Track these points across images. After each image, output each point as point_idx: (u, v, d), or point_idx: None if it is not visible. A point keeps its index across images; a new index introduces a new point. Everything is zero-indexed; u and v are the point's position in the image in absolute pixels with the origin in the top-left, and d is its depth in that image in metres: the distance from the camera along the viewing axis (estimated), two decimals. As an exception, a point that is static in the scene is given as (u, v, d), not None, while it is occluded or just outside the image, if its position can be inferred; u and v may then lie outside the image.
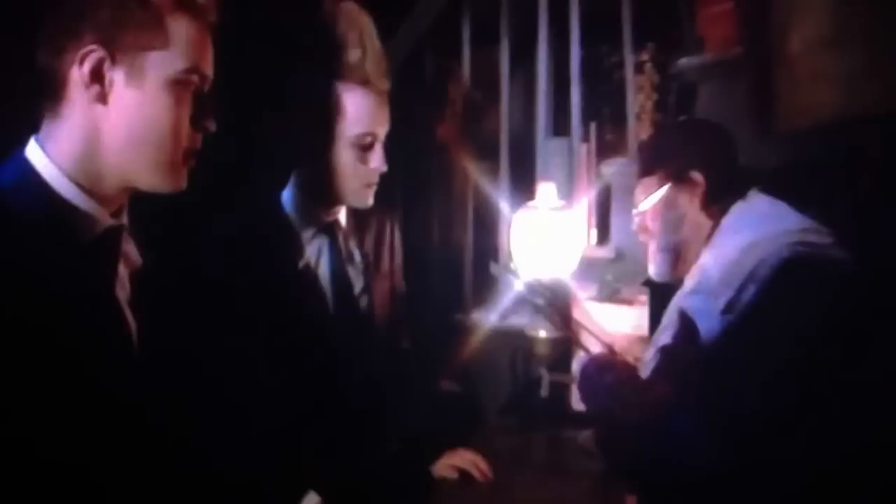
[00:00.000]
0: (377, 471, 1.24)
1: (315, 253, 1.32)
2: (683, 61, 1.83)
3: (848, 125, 1.39)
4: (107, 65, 0.81)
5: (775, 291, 1.03)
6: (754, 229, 1.11)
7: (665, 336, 1.17)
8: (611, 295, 1.78)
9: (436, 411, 1.43)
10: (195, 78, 0.85)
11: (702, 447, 1.00)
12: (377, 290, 1.38)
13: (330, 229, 1.35)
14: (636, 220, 1.28)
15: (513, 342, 1.69)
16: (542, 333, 1.53)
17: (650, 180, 1.24)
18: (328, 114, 1.24)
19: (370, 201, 1.32)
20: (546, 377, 1.53)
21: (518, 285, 1.48)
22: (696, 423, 1.01)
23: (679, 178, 1.20)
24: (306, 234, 1.32)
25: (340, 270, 1.34)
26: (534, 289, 1.42)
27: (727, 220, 1.18)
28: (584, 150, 2.11)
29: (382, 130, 1.30)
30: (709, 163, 1.21)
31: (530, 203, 1.58)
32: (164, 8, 0.82)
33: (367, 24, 1.25)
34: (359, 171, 1.29)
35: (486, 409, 1.69)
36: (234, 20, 0.87)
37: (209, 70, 0.86)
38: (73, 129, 0.82)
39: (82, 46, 0.80)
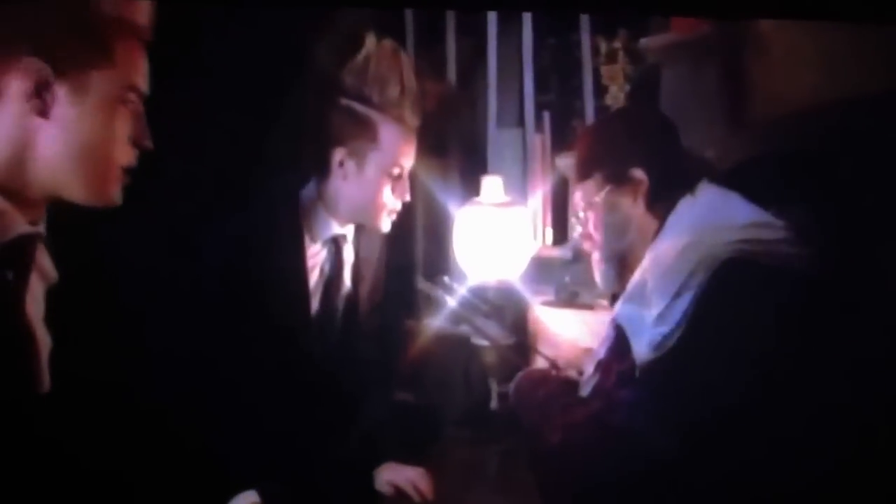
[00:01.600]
0: (321, 473, 1.28)
1: (318, 261, 1.43)
2: (646, 41, 1.75)
3: (828, 110, 1.37)
4: (50, 79, 0.84)
5: (711, 301, 0.99)
6: (695, 228, 1.07)
7: (601, 349, 1.16)
8: (569, 299, 1.76)
9: (390, 421, 1.46)
10: (134, 95, 0.90)
11: (629, 470, 0.98)
12: (362, 301, 1.49)
13: (336, 242, 1.46)
14: (578, 230, 1.25)
15: (466, 350, 1.65)
16: (490, 341, 1.51)
17: (588, 185, 1.21)
18: (363, 143, 1.38)
19: (386, 228, 1.45)
20: (495, 388, 1.51)
21: (459, 293, 1.49)
22: (624, 447, 1.00)
23: (619, 179, 1.16)
24: (315, 243, 1.43)
25: (336, 281, 1.45)
26: (476, 295, 1.46)
27: (672, 218, 1.13)
28: (538, 142, 2.08)
29: (409, 163, 1.44)
30: (650, 157, 1.17)
31: (475, 199, 1.57)
32: (108, 27, 0.86)
33: (406, 63, 1.38)
34: (384, 200, 1.41)
35: (441, 421, 1.66)
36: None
37: (146, 87, 0.91)
38: (3, 133, 0.85)
39: (22, 59, 0.83)
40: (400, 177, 1.42)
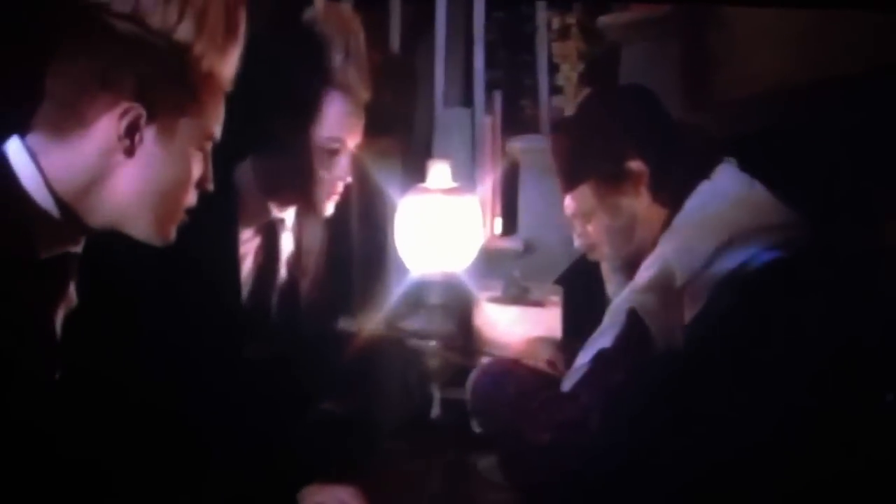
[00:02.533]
0: (237, 495, 1.22)
1: (251, 249, 1.37)
2: (605, 19, 1.71)
3: (794, 92, 1.39)
4: (142, 122, 0.90)
5: (755, 305, 0.99)
6: (727, 226, 1.05)
7: (606, 338, 1.14)
8: (518, 295, 1.70)
9: (317, 435, 1.43)
10: (210, 143, 0.98)
11: (629, 473, 0.99)
12: (300, 297, 1.44)
13: (272, 227, 1.38)
14: (580, 240, 1.23)
15: (404, 352, 1.59)
16: (433, 343, 1.46)
17: (581, 193, 1.18)
18: (300, 112, 1.31)
19: (328, 211, 1.38)
20: (437, 395, 1.46)
21: (406, 284, 1.46)
22: (625, 446, 1.01)
23: (616, 179, 1.14)
24: (248, 228, 1.36)
25: (270, 272, 1.39)
26: (418, 290, 1.43)
27: (691, 203, 1.10)
28: (487, 124, 2.11)
29: (352, 141, 1.36)
30: (644, 143, 1.13)
31: (420, 185, 1.53)
32: (202, 78, 0.93)
33: (356, 29, 1.31)
34: (320, 177, 1.35)
35: (377, 433, 1.64)
36: None
37: (219, 134, 0.98)
38: (83, 162, 0.90)
39: (119, 98, 0.88)
40: (340, 153, 1.35)
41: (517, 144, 2.08)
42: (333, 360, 1.49)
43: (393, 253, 1.80)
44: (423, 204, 1.47)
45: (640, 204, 1.13)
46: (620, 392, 1.05)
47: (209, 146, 0.98)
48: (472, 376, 1.27)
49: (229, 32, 0.94)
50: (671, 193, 1.12)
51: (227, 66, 0.96)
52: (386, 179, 1.86)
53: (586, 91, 1.35)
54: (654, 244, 1.13)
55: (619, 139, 1.14)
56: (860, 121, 1.29)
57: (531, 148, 2.05)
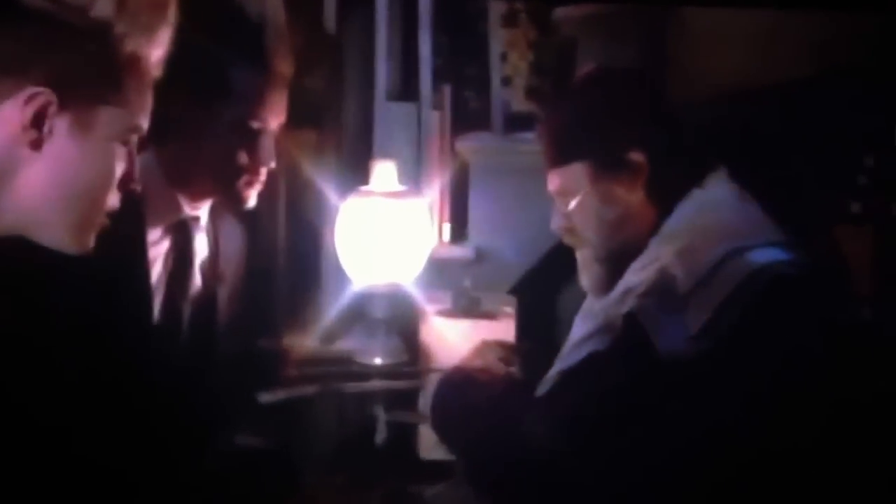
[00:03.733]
0: None
1: (160, 253, 1.31)
2: (560, 12, 1.77)
3: (753, 91, 1.47)
4: (51, 110, 0.84)
5: (767, 317, 1.05)
6: (730, 233, 1.10)
7: (595, 341, 1.15)
8: (469, 307, 1.75)
9: (238, 470, 1.39)
10: (135, 137, 0.93)
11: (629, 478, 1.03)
12: (218, 309, 1.39)
13: (184, 227, 1.32)
14: (558, 221, 1.23)
15: (342, 373, 1.61)
16: (377, 360, 1.49)
17: (570, 172, 1.19)
18: (212, 87, 1.25)
19: (250, 202, 1.33)
20: (382, 417, 1.48)
21: (346, 297, 1.49)
22: (613, 455, 1.04)
23: (613, 166, 1.15)
24: (155, 228, 1.29)
25: (182, 279, 1.33)
26: (361, 303, 1.44)
27: (686, 209, 1.14)
28: (436, 120, 2.07)
29: (275, 121, 1.32)
30: (650, 136, 1.16)
31: (363, 188, 1.54)
32: (126, 63, 0.88)
33: None
34: (238, 164, 1.29)
35: (303, 467, 1.63)
36: None
37: (146, 127, 0.94)
38: None
39: (23, 82, 0.83)
40: (261, 133, 1.30)
41: (466, 143, 2.08)
42: (256, 383, 1.45)
43: (329, 261, 1.82)
44: (367, 208, 1.52)
45: (635, 198, 1.16)
46: (612, 397, 1.08)
47: (134, 140, 0.93)
48: (437, 389, 1.27)
49: (155, 10, 0.89)
50: (664, 194, 1.15)
51: (155, 48, 0.90)
52: (319, 178, 1.83)
53: (589, 66, 1.36)
54: (640, 243, 1.16)
55: (624, 126, 1.16)
56: (814, 124, 1.40)
57: (482, 147, 2.06)
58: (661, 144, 1.16)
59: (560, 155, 1.21)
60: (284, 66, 1.31)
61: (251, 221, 1.46)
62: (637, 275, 1.15)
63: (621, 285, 1.17)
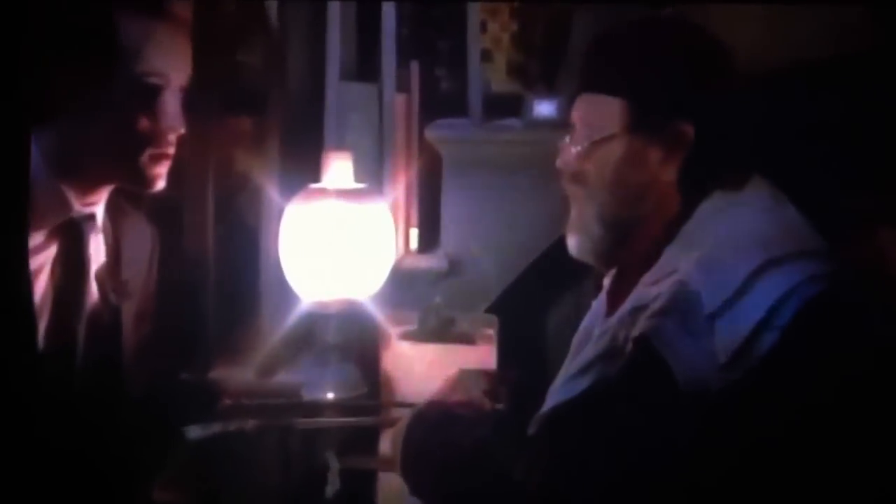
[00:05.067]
0: None
1: (45, 261, 1.28)
2: None
3: (778, 76, 1.47)
4: None
5: (808, 342, 1.06)
6: (759, 245, 1.10)
7: (598, 370, 1.16)
8: (441, 328, 1.77)
9: None
10: None
11: None
12: (123, 331, 1.35)
13: (75, 228, 1.29)
14: (566, 159, 1.21)
15: (284, 413, 1.59)
16: (329, 394, 1.50)
17: (605, 103, 1.18)
18: (90, 43, 1.23)
19: (160, 182, 1.30)
20: (335, 464, 1.47)
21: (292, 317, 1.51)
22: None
23: (655, 127, 1.16)
24: (38, 232, 1.26)
25: (74, 293, 1.30)
26: (310, 325, 1.45)
27: (706, 211, 1.15)
28: (400, 104, 2.06)
29: (178, 76, 1.29)
30: (704, 109, 1.16)
31: (313, 186, 1.54)
32: None
33: None
34: (139, 133, 1.26)
35: None
36: None
37: None
38: None
39: None
40: (163, 92, 1.28)
41: (438, 132, 2.07)
42: (173, 426, 1.42)
43: (270, 274, 1.81)
44: (317, 210, 1.52)
45: (667, 174, 1.16)
46: (621, 438, 1.08)
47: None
48: (401, 427, 1.28)
49: None
50: (696, 189, 1.16)
51: None
52: (258, 173, 1.86)
53: (653, 13, 1.33)
54: (656, 228, 1.17)
55: (681, 85, 1.16)
56: (851, 113, 1.41)
57: (456, 137, 2.05)
58: (713, 125, 1.16)
59: (598, 78, 1.20)
60: (181, 8, 1.29)
61: (167, 222, 1.43)
62: (650, 289, 1.14)
63: (630, 301, 1.16)
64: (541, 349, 1.93)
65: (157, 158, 1.28)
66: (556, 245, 1.93)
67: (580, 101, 1.22)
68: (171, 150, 1.30)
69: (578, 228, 1.22)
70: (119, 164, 1.28)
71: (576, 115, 1.22)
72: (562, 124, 2.19)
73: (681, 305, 1.09)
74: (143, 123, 1.26)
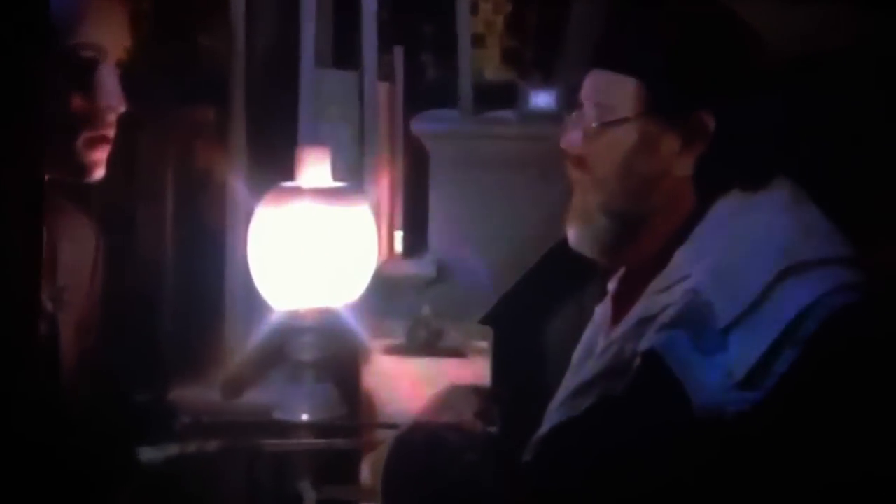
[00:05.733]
0: None
1: None
2: None
3: (795, 63, 1.45)
4: None
5: (832, 360, 1.05)
6: (778, 250, 1.10)
7: (601, 388, 1.15)
8: (429, 341, 1.78)
9: None
10: None
11: None
12: (61, 348, 1.33)
13: None
14: (572, 139, 1.21)
15: (252, 437, 1.60)
16: (304, 416, 1.50)
17: (620, 82, 1.18)
18: (16, 12, 1.14)
19: (98, 170, 1.29)
20: (310, 494, 1.49)
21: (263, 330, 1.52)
22: None
23: (674, 111, 1.16)
24: None
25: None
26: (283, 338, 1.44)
27: (721, 212, 1.15)
28: (383, 94, 2.06)
29: (116, 49, 1.29)
30: (729, 100, 1.16)
31: (285, 185, 1.55)
32: None
33: None
34: (72, 114, 1.25)
35: None
36: None
37: None
38: None
39: None
40: (96, 66, 1.27)
41: (425, 125, 2.07)
42: (123, 449, 1.43)
43: (237, 282, 1.81)
44: (290, 211, 1.51)
45: (681, 167, 1.16)
46: (627, 463, 1.08)
47: None
48: (383, 452, 1.27)
49: None
50: (711, 186, 1.15)
51: None
52: (223, 170, 1.85)
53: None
54: (666, 224, 1.17)
55: (702, 77, 1.16)
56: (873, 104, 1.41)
57: (445, 131, 2.06)
58: (734, 118, 1.16)
59: (615, 55, 1.20)
60: None
61: (116, 221, 1.43)
62: (658, 297, 1.14)
63: (637, 311, 1.16)
64: (540, 364, 1.92)
65: (94, 142, 1.27)
66: (557, 249, 1.94)
67: (591, 77, 1.21)
68: (111, 133, 1.28)
69: (580, 217, 1.21)
70: (51, 151, 1.27)
71: (584, 92, 1.21)
72: (561, 117, 2.28)
73: (693, 317, 1.09)
74: (77, 102, 1.25)
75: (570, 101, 1.27)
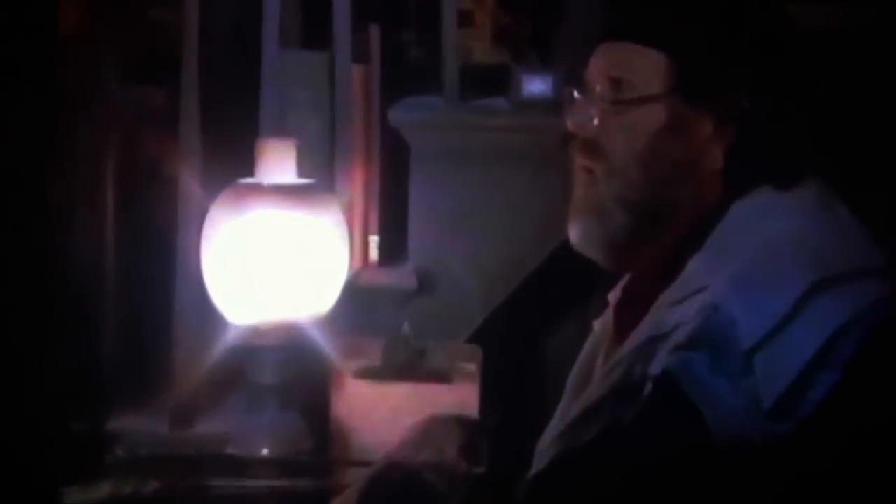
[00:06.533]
0: None
1: None
2: None
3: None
4: None
5: (872, 386, 1.04)
6: (810, 258, 1.08)
7: (607, 415, 1.12)
8: (409, 362, 1.78)
9: None
10: None
11: None
12: None
13: None
14: (581, 121, 1.17)
15: (202, 475, 1.59)
16: (264, 449, 1.51)
17: (644, 56, 1.16)
18: None
19: None
20: None
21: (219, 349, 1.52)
22: None
23: (707, 89, 1.15)
24: None
25: None
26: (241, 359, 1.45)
27: (744, 214, 1.13)
28: (357, 78, 2.06)
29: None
30: (764, 82, 1.15)
31: (244, 181, 1.56)
32: None
33: None
34: None
35: None
36: None
37: None
38: None
39: None
40: None
41: (405, 113, 2.05)
42: (47, 488, 1.42)
43: (188, 294, 1.79)
44: (249, 212, 1.52)
45: (712, 157, 1.14)
46: (641, 493, 1.06)
47: None
48: (353, 495, 1.26)
49: None
50: (740, 180, 1.14)
51: None
52: (173, 164, 1.85)
53: None
54: (688, 222, 1.15)
55: (741, 46, 1.16)
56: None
57: (428, 120, 2.05)
58: (768, 101, 1.14)
59: (636, 24, 1.18)
60: None
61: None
62: (671, 311, 1.11)
63: (648, 326, 1.14)
64: (536, 389, 1.90)
65: None
66: (556, 256, 1.94)
67: (606, 50, 1.18)
68: None
69: (589, 211, 1.18)
70: None
71: (596, 67, 1.18)
72: (558, 106, 2.30)
73: (712, 336, 1.06)
74: None
75: (571, 83, 1.26)
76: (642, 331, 1.13)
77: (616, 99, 1.15)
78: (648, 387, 1.08)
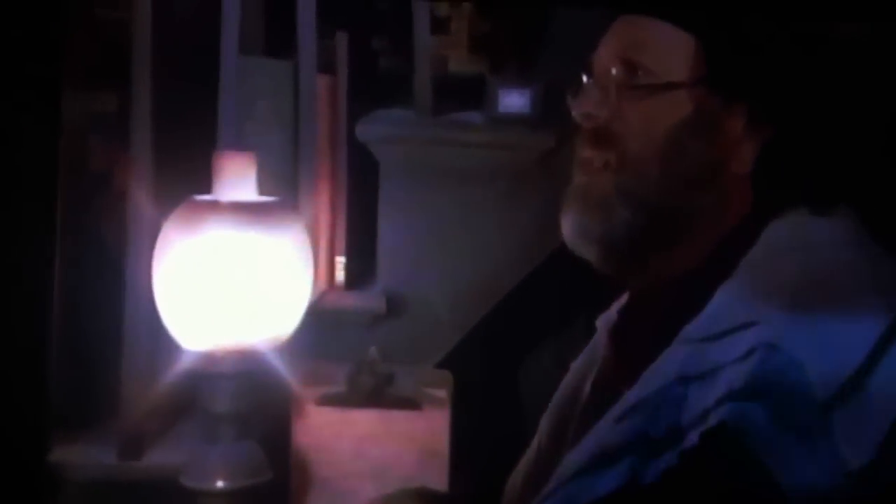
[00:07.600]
0: None
1: None
2: None
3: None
4: None
5: None
6: (875, 291, 1.03)
7: (630, 461, 1.02)
8: (375, 389, 1.79)
9: None
10: None
11: None
12: None
13: None
14: (588, 109, 1.12)
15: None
16: (219, 483, 1.50)
17: (668, 33, 1.11)
18: None
19: None
20: None
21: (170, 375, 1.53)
22: None
23: (743, 86, 1.11)
24: None
25: None
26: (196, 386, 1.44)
27: (785, 237, 1.08)
28: (322, 88, 2.07)
29: None
30: (807, 79, 1.12)
31: (200, 197, 1.56)
32: None
33: None
34: None
35: None
36: None
37: None
38: None
39: None
40: None
41: (373, 128, 2.08)
42: None
43: (138, 315, 1.81)
44: (205, 229, 1.50)
45: (737, 163, 1.09)
46: None
47: None
48: None
49: None
50: (772, 191, 1.10)
51: None
52: (124, 178, 1.85)
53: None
54: (707, 237, 1.10)
55: (786, 53, 1.12)
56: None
57: (399, 134, 2.07)
58: (814, 106, 1.11)
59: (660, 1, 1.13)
60: None
61: None
62: (708, 349, 1.05)
63: (672, 363, 1.06)
64: (512, 420, 1.91)
65: None
66: (535, 277, 1.94)
67: (621, 29, 1.13)
68: None
69: (588, 201, 1.12)
70: None
71: (609, 49, 1.13)
72: (537, 123, 2.30)
73: (775, 382, 0.99)
74: None
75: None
76: (665, 369, 1.05)
77: (631, 82, 1.11)
78: (691, 440, 1.00)
